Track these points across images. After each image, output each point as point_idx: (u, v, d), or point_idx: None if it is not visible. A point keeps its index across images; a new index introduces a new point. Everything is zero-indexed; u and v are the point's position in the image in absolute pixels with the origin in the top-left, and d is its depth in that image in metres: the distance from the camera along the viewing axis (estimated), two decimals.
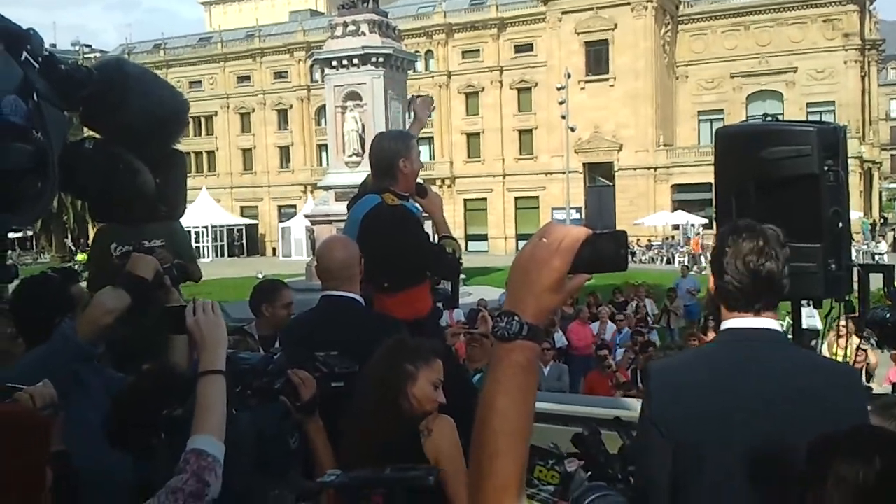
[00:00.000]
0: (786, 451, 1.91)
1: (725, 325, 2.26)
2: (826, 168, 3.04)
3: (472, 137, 53.35)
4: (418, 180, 3.95)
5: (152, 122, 1.63)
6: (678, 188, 47.12)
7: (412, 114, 4.72)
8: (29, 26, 1.17)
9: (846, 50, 46.66)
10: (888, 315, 3.68)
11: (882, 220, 49.73)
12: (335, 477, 2.08)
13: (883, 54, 55.64)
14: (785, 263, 2.20)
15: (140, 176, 1.66)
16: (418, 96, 4.91)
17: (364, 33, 21.57)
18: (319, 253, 3.50)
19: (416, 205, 3.94)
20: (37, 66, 1.14)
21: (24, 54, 1.12)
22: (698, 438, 2.11)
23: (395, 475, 1.96)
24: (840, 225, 3.06)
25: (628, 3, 47.08)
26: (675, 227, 44.38)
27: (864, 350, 9.19)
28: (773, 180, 3.13)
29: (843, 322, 5.97)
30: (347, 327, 3.21)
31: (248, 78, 59.21)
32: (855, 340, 6.78)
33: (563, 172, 42.95)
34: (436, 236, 3.96)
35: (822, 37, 46.94)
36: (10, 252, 2.64)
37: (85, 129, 1.80)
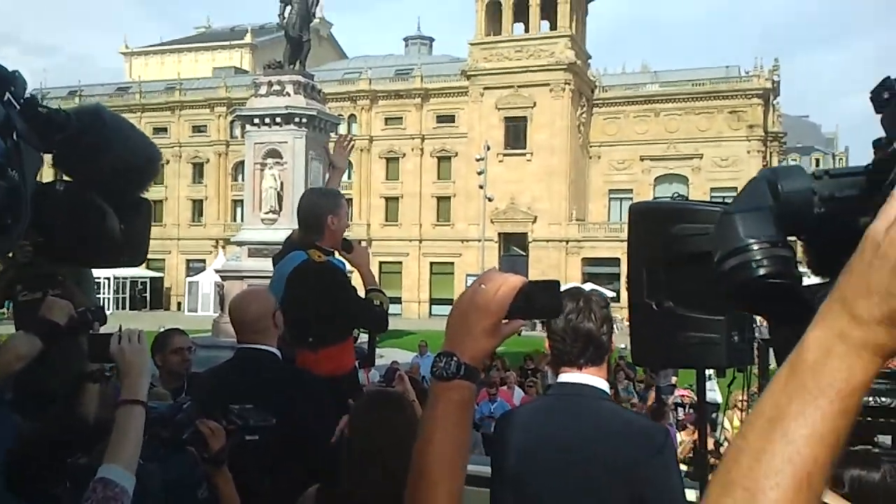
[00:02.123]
0: (579, 486, 2.26)
1: (558, 378, 2.51)
2: None
3: (391, 201, 53.71)
4: (344, 236, 3.99)
5: (124, 169, 1.64)
6: (588, 261, 48.37)
7: (329, 165, 4.68)
8: (14, 69, 1.20)
9: (749, 140, 49.30)
10: None
11: None
12: None
13: (784, 146, 58.78)
14: (604, 322, 2.43)
15: (108, 220, 1.66)
16: (337, 139, 4.80)
17: (289, 93, 21.60)
18: (233, 305, 3.44)
19: (343, 260, 3.97)
20: (18, 106, 1.16)
21: (7, 95, 1.14)
22: (513, 467, 2.41)
23: None
24: None
25: (547, 84, 48.80)
26: None
27: None
28: (682, 255, 3.29)
29: (741, 396, 6.20)
30: (263, 380, 3.17)
31: (164, 129, 58.17)
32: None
33: (479, 240, 43.55)
34: (363, 290, 3.98)
35: (728, 127, 49.54)
36: None
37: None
